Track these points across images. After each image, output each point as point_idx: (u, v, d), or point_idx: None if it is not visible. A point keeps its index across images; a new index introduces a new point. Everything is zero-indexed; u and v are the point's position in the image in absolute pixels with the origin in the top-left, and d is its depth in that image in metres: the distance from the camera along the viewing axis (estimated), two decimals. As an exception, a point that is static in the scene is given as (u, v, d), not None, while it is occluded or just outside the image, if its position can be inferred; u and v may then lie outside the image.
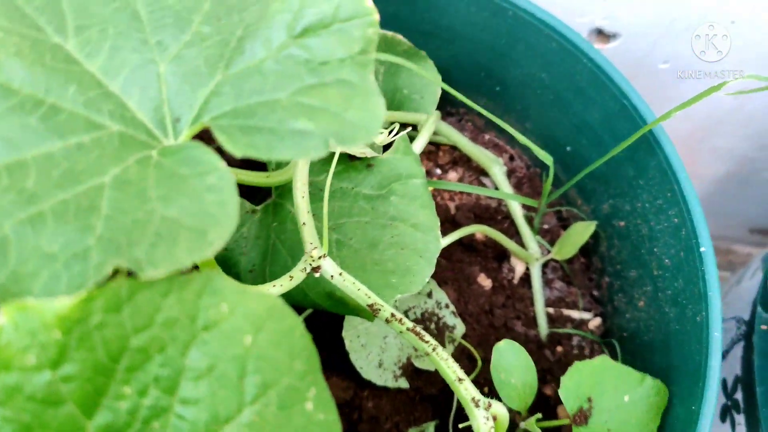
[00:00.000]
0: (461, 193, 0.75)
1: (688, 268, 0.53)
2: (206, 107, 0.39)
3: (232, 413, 0.31)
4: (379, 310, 0.48)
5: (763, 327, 0.65)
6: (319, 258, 0.48)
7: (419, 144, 0.65)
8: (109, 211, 0.32)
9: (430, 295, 0.65)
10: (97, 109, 0.38)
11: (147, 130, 0.38)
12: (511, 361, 0.53)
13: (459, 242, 0.72)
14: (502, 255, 0.72)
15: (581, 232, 0.65)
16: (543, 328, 0.68)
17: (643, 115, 0.56)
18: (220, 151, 0.40)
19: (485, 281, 0.70)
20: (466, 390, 0.46)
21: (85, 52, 0.40)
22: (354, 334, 0.61)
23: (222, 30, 0.41)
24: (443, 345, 0.63)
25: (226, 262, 0.61)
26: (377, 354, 0.61)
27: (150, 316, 0.30)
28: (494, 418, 0.46)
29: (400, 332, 0.48)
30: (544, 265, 0.72)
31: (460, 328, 0.65)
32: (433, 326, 0.64)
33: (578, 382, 0.52)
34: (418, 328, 0.48)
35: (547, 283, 0.71)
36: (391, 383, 0.61)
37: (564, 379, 0.52)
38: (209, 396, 0.31)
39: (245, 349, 0.31)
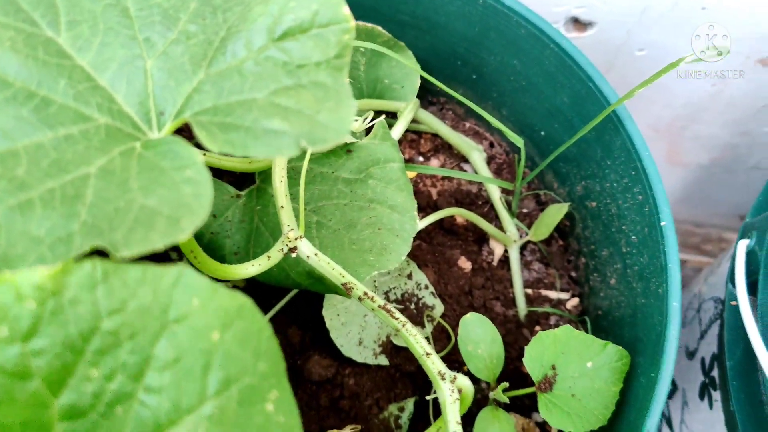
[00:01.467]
0: (443, 179, 0.77)
1: (651, 243, 0.55)
2: (188, 103, 0.41)
3: (194, 405, 0.32)
4: (352, 288, 0.51)
5: (733, 303, 0.66)
6: (296, 239, 0.51)
7: (398, 130, 0.67)
8: (94, 199, 0.34)
9: (410, 276, 0.68)
10: (85, 102, 0.40)
11: (132, 123, 0.41)
12: (478, 334, 0.56)
13: (440, 226, 0.75)
14: (482, 238, 0.74)
15: (554, 214, 0.67)
16: (521, 308, 0.70)
17: (607, 97, 0.58)
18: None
19: (465, 263, 0.72)
20: (433, 364, 0.48)
21: (76, 47, 0.42)
22: (334, 312, 0.63)
23: (207, 29, 0.43)
24: (422, 325, 0.66)
25: (212, 245, 0.64)
26: (357, 332, 0.64)
27: (123, 301, 0.31)
28: (460, 391, 0.48)
29: (372, 309, 0.51)
30: (524, 248, 0.74)
31: (438, 308, 0.67)
32: (413, 306, 0.67)
33: (542, 351, 0.54)
34: (390, 306, 0.50)
35: (525, 264, 0.73)
36: (371, 360, 0.64)
37: (528, 349, 0.54)
38: (173, 386, 0.32)
39: (212, 344, 0.32)
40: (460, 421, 0.47)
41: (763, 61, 0.80)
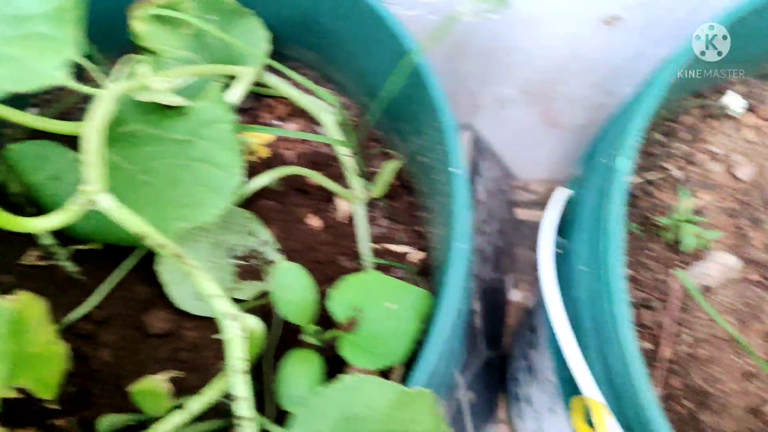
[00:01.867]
0: (302, 142, 0.80)
1: (452, 192, 0.59)
2: None
3: None
4: (146, 238, 0.53)
5: (558, 251, 0.70)
6: (94, 193, 0.53)
7: (235, 93, 0.70)
8: None
9: (252, 233, 0.71)
10: None
11: None
12: (291, 281, 0.59)
13: (294, 187, 0.78)
14: (333, 197, 0.77)
15: (387, 171, 0.70)
16: (368, 262, 0.74)
17: (412, 56, 0.61)
18: None
19: (314, 221, 0.75)
20: (219, 305, 0.51)
21: None
22: (169, 267, 0.66)
23: None
24: (261, 279, 0.69)
25: (55, 208, 0.66)
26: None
27: None
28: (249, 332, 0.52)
29: (168, 257, 0.54)
30: (372, 205, 0.77)
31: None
32: (256, 262, 0.70)
33: (346, 294, 0.58)
34: (181, 252, 0.53)
35: (373, 221, 0.76)
36: (208, 313, 0.67)
37: (333, 291, 0.57)
38: None
39: None
40: (245, 357, 0.50)
41: (607, 22, 0.83)
